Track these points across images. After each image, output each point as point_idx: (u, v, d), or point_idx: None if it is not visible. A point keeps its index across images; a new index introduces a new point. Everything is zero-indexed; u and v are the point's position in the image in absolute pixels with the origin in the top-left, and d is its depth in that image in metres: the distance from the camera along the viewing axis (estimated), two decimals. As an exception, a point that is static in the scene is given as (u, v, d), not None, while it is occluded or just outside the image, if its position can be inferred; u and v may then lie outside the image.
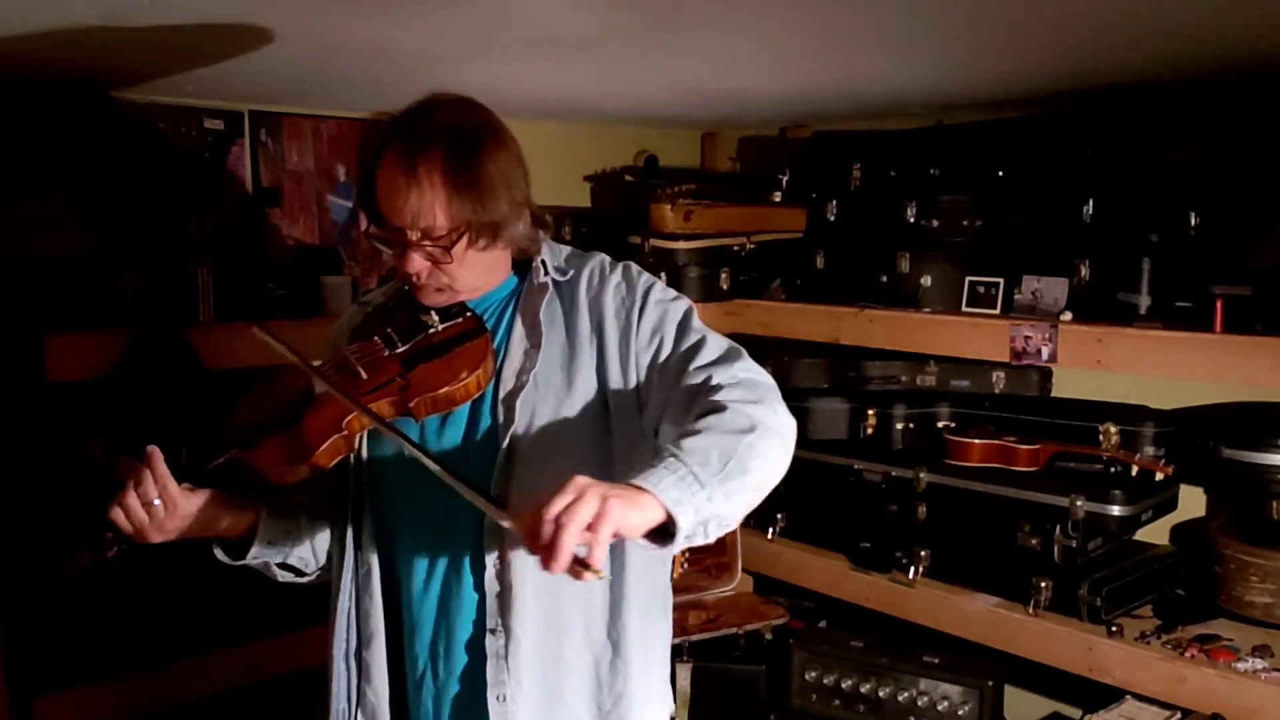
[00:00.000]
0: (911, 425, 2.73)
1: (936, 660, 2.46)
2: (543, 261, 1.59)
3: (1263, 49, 1.91)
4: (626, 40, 1.86)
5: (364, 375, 1.49)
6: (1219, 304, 2.13)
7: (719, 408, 1.36)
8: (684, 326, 1.53)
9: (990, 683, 2.43)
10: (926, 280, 2.64)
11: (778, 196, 3.13)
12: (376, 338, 1.56)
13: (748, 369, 1.47)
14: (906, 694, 2.47)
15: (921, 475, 2.59)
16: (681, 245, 2.91)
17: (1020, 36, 1.83)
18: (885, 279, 2.71)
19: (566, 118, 3.09)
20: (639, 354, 1.52)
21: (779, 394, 1.47)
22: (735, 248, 3.01)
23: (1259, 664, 2.10)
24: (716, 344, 1.51)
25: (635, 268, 1.60)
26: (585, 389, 1.53)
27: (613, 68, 2.16)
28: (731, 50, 1.99)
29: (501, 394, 1.52)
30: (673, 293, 1.59)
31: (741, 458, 1.32)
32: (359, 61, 2.04)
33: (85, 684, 2.26)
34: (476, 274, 1.53)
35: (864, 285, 2.74)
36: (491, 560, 1.49)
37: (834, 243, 2.87)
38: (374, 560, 1.55)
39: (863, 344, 2.68)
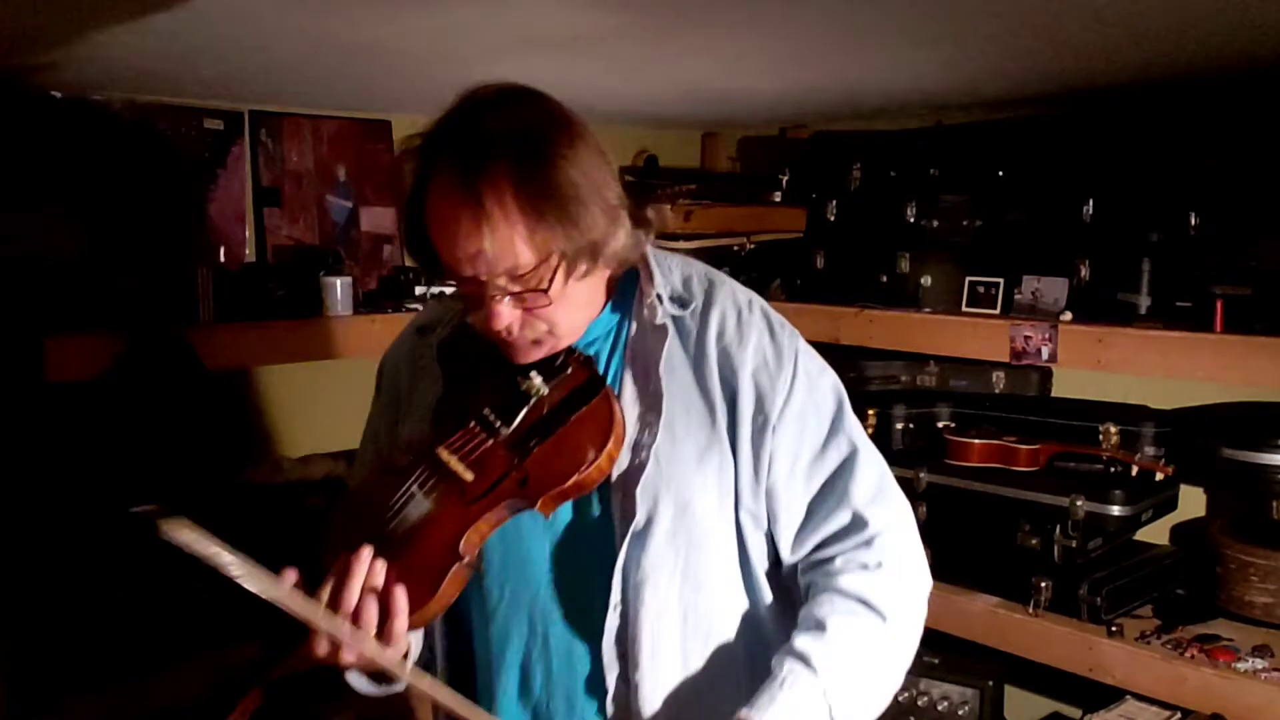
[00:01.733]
0: (911, 425, 2.73)
1: (936, 660, 2.46)
2: (657, 294, 1.27)
3: (1263, 49, 1.91)
4: (626, 40, 1.86)
5: (469, 476, 1.22)
6: (1219, 304, 2.13)
7: (877, 613, 1.26)
8: (836, 425, 1.31)
9: (990, 683, 2.43)
10: (926, 280, 2.64)
11: (778, 196, 3.13)
12: (473, 422, 1.26)
13: (901, 516, 1.33)
14: (906, 694, 2.47)
15: (921, 475, 2.58)
16: (681, 245, 2.90)
17: (1020, 36, 1.83)
18: (885, 279, 2.71)
19: (566, 118, 3.08)
20: (777, 442, 1.27)
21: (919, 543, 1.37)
22: (735, 248, 3.01)
23: (1259, 664, 2.10)
24: (868, 461, 1.32)
25: (775, 315, 1.33)
26: (715, 467, 1.26)
27: (613, 68, 2.16)
28: (731, 50, 1.98)
29: (615, 474, 1.24)
30: (819, 360, 1.34)
31: (884, 700, 1.28)
32: (359, 62, 2.04)
33: (85, 687, 2.26)
34: (578, 309, 1.23)
35: (864, 285, 2.74)
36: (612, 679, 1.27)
37: (834, 243, 2.87)
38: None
39: (863, 344, 2.68)
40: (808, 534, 1.31)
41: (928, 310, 2.61)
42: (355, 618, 1.15)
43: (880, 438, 2.75)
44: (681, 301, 1.30)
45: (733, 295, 1.32)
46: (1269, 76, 2.15)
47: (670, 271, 1.32)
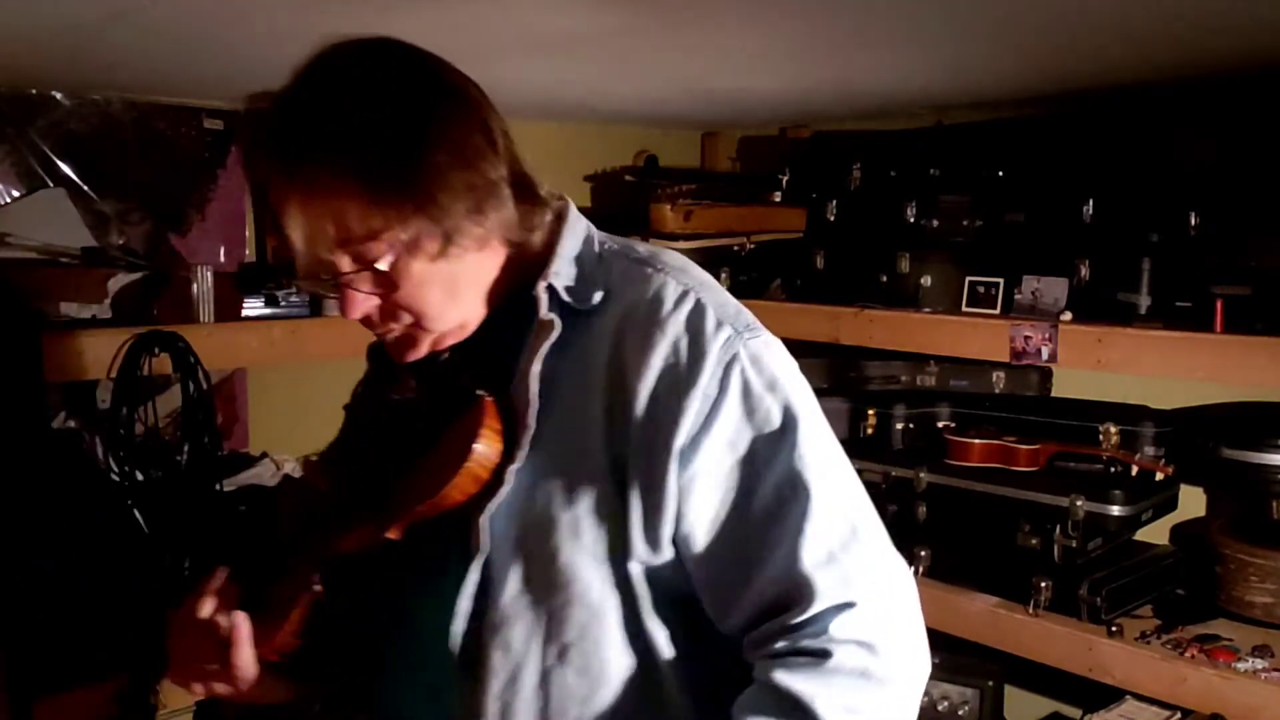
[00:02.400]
0: (911, 425, 2.73)
1: (936, 660, 2.44)
2: (548, 284, 1.06)
3: (1263, 49, 1.91)
4: (626, 40, 1.86)
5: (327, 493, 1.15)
6: (1219, 304, 2.12)
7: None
8: (781, 457, 1.00)
9: (990, 683, 2.43)
10: (926, 280, 2.64)
11: (778, 196, 3.13)
12: (346, 434, 1.19)
13: (877, 586, 1.02)
14: (906, 694, 2.46)
15: (921, 475, 2.58)
16: (681, 245, 2.90)
17: (1021, 36, 1.83)
18: (885, 279, 2.71)
19: (566, 118, 3.08)
20: (689, 478, 1.00)
21: (906, 611, 1.07)
22: (735, 248, 3.01)
23: (1259, 664, 2.10)
24: (829, 511, 0.99)
25: (712, 315, 1.04)
26: (591, 503, 1.02)
27: (613, 68, 2.16)
28: (731, 50, 1.98)
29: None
30: (775, 371, 1.04)
31: None
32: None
33: (86, 685, 2.25)
34: (447, 296, 1.04)
35: (864, 285, 2.74)
36: None
37: (834, 243, 2.86)
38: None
39: (863, 344, 2.68)
40: (735, 604, 1.02)
41: (928, 310, 2.61)
42: (191, 646, 1.10)
43: (880, 438, 2.75)
44: (578, 294, 1.06)
45: (659, 287, 1.06)
46: (1269, 76, 2.15)
47: (585, 255, 1.11)
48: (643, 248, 1.15)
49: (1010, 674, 2.52)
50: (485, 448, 1.03)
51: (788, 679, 0.98)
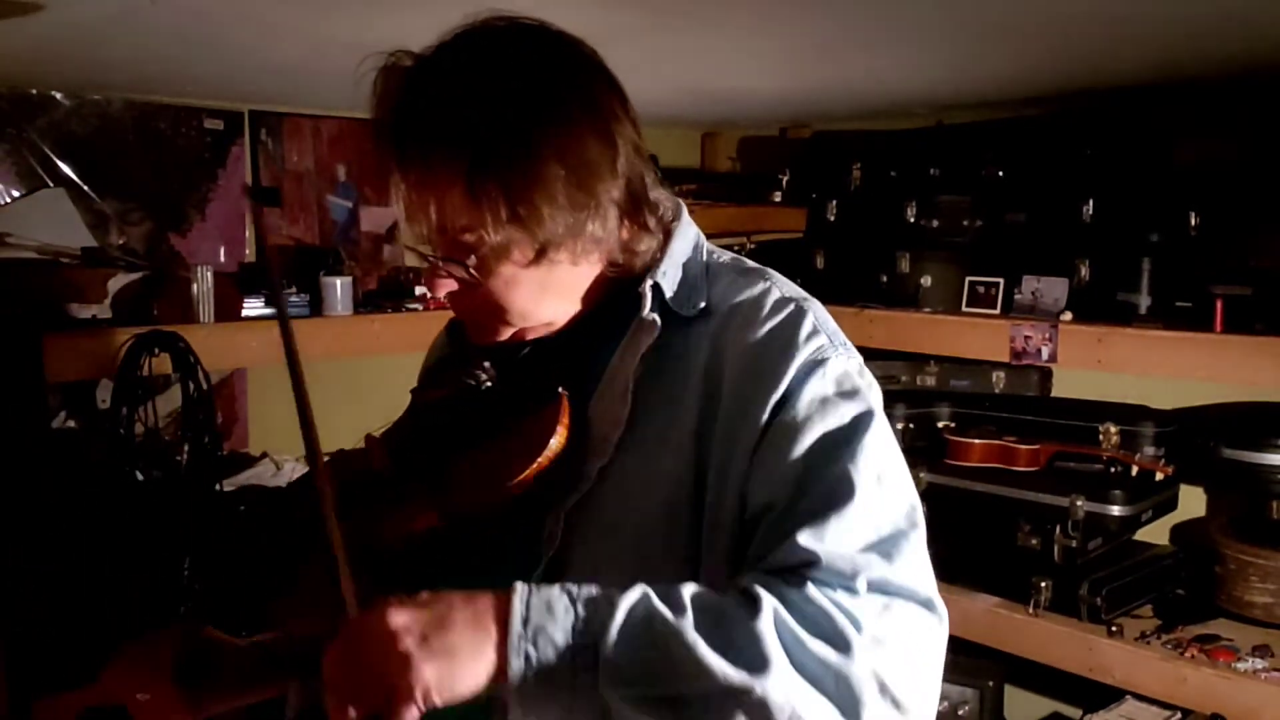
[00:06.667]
0: (912, 425, 2.73)
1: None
2: (653, 283, 1.04)
3: (1263, 49, 1.91)
4: (627, 40, 1.86)
5: (387, 472, 1.10)
6: (1219, 304, 2.13)
7: (754, 599, 0.88)
8: (837, 455, 0.96)
9: (990, 683, 2.42)
10: (926, 280, 2.64)
11: (778, 196, 3.13)
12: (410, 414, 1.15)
13: (905, 605, 0.92)
14: (906, 694, 2.46)
15: (922, 475, 2.58)
16: (681, 245, 2.90)
17: (1021, 37, 1.83)
18: (885, 279, 2.71)
19: (566, 118, 3.08)
20: (752, 470, 0.98)
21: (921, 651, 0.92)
22: (735, 248, 3.00)
23: (1259, 664, 2.10)
24: (867, 514, 0.95)
25: (810, 323, 1.04)
26: (674, 506, 1.00)
27: (613, 67, 2.15)
28: (731, 50, 1.98)
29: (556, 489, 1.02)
30: (857, 381, 1.04)
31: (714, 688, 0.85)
32: (359, 60, 2.04)
33: (85, 685, 2.25)
34: (541, 300, 1.03)
35: (864, 285, 2.74)
36: None
37: (834, 243, 2.87)
38: None
39: (863, 344, 2.63)
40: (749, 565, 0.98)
41: (928, 310, 2.61)
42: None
43: (880, 438, 2.75)
44: (684, 302, 1.04)
45: (763, 294, 1.05)
46: (1269, 76, 2.15)
47: (694, 264, 1.08)
48: (751, 263, 1.13)
49: (1010, 674, 2.52)
50: (559, 444, 1.01)
51: (747, 580, 0.92)
